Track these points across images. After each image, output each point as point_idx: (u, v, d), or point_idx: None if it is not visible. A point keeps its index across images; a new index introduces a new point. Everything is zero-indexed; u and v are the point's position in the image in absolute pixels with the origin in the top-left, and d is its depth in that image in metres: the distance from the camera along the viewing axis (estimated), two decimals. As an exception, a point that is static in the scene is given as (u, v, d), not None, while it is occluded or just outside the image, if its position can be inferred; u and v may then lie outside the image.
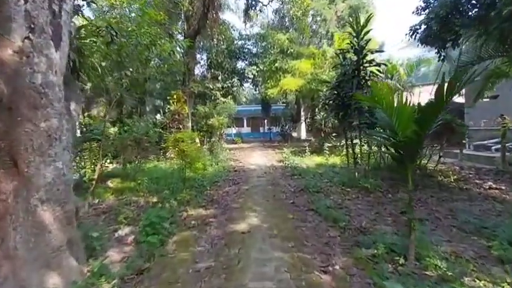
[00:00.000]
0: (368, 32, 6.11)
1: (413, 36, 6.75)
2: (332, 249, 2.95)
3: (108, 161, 7.76)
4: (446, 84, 2.25)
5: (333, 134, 12.05)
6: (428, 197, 5.03)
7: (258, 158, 11.93)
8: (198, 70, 22.42)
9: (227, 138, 21.22)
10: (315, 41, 19.68)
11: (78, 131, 8.73)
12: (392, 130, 2.65)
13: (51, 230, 2.20)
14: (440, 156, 6.55)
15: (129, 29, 5.12)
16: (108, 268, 2.62)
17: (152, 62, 5.95)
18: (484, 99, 9.70)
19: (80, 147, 6.44)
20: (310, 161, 9.93)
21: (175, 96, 12.53)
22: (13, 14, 2.06)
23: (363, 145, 6.63)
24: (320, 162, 9.31)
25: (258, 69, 19.84)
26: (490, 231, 3.22)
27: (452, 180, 6.18)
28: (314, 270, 2.54)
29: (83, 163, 6.16)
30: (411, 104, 2.55)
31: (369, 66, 6.10)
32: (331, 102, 6.84)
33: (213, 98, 17.41)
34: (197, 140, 16.00)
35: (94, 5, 4.87)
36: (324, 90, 12.36)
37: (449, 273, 2.33)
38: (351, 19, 7.88)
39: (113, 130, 8.13)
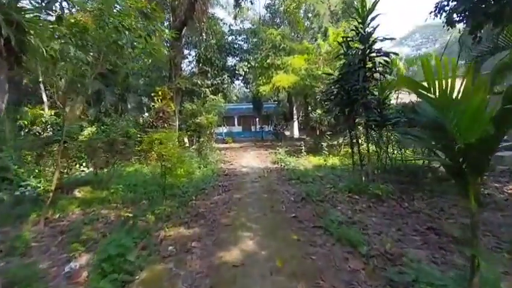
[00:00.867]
0: (375, 17, 5.38)
1: (439, 15, 5.86)
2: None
3: (83, 165, 6.75)
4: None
5: (328, 133, 11.36)
6: (451, 206, 4.33)
7: (250, 159, 11.08)
8: (186, 66, 21.37)
9: (217, 137, 20.29)
10: (307, 37, 18.99)
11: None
12: (446, 130, 1.86)
13: None
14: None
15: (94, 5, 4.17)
16: None
17: (129, 51, 4.95)
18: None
19: (40, 151, 5.43)
20: (307, 162, 9.18)
21: (160, 93, 11.52)
22: None
23: (370, 145, 5.88)
24: (318, 164, 8.56)
25: (249, 65, 19.00)
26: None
27: (469, 183, 5.54)
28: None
29: (40, 170, 5.13)
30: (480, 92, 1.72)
31: (377, 56, 5.36)
32: (332, 97, 6.07)
33: (202, 95, 16.46)
34: (186, 140, 15.04)
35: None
36: (321, 86, 11.69)
37: None
38: (356, 3, 7.07)
39: (90, 130, 7.14)
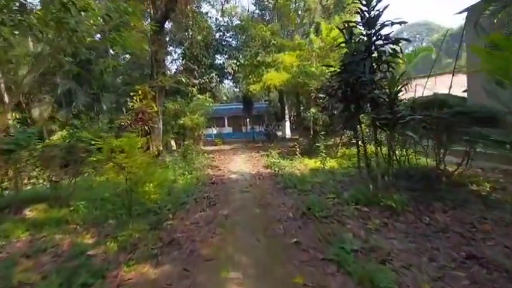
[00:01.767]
0: (381, -2, 4.61)
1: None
2: None
3: (37, 177, 5.71)
4: None
5: (322, 133, 10.62)
6: (480, 219, 3.60)
7: (241, 163, 10.19)
8: (171, 65, 20.26)
9: (207, 139, 19.32)
10: (299, 33, 18.29)
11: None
12: None
13: None
14: (468, 159, 5.19)
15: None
16: None
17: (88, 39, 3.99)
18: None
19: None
20: (302, 165, 8.38)
21: (140, 92, 10.48)
22: None
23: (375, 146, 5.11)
24: (315, 167, 7.77)
25: (238, 63, 18.13)
26: None
27: (489, 188, 4.87)
28: None
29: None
30: None
31: (385, 43, 4.59)
32: (333, 92, 5.28)
33: (189, 95, 15.47)
34: (173, 143, 13.98)
35: None
36: (315, 84, 10.94)
37: None
38: None
39: (60, 134, 6.11)
